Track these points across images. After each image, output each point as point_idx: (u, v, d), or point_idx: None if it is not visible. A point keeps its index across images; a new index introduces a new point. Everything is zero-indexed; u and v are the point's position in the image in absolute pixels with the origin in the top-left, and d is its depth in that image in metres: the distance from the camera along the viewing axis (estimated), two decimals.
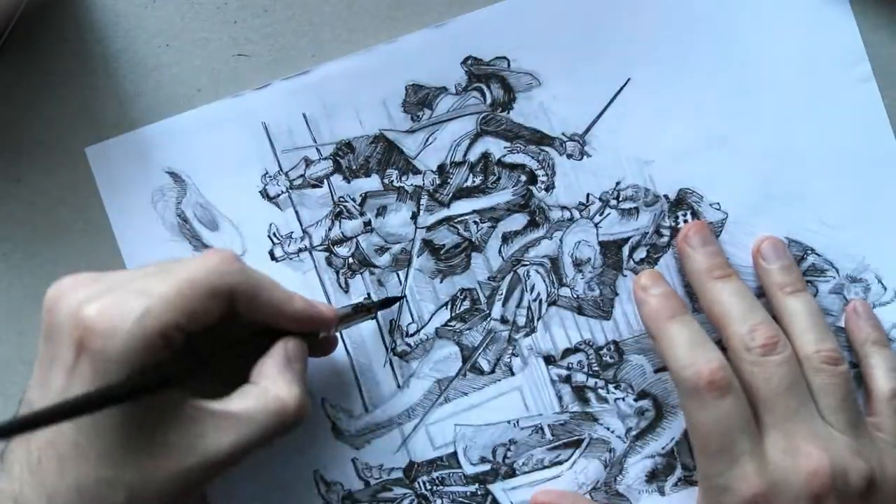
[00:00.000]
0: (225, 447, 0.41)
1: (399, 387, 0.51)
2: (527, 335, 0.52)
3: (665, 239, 0.52)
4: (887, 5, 0.52)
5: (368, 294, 0.52)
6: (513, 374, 0.52)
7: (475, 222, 0.52)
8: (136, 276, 0.42)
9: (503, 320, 0.52)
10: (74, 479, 0.39)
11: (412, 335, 0.52)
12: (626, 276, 0.52)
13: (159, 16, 0.51)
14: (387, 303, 0.52)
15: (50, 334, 0.41)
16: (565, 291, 0.52)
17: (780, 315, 0.50)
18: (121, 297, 0.40)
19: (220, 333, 0.44)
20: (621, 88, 0.51)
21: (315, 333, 0.47)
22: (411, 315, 0.52)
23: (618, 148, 0.52)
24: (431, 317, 0.52)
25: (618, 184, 0.52)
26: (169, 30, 0.51)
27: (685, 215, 0.52)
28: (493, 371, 0.52)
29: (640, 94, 0.51)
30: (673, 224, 0.52)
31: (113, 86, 0.51)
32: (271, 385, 0.43)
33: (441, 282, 0.52)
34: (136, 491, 0.40)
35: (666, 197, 0.52)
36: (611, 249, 0.52)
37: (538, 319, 0.52)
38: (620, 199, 0.52)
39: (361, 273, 0.52)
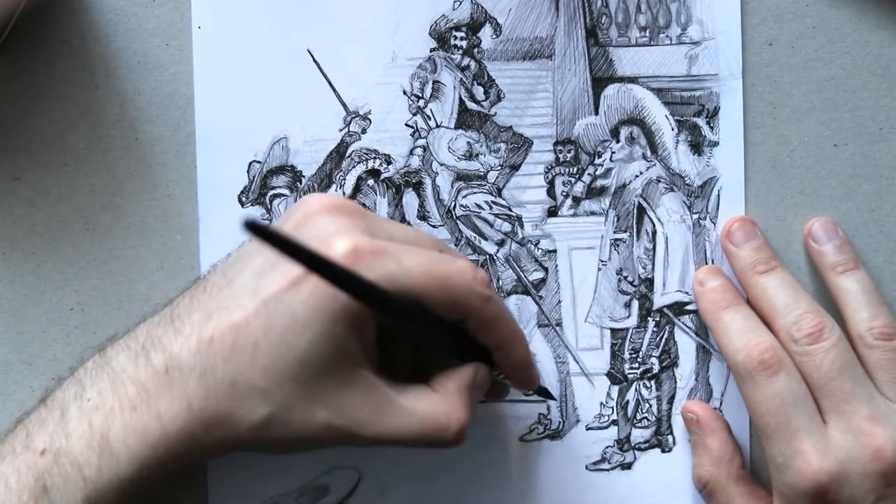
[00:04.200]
0: (373, 429, 0.41)
1: None
2: None
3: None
4: (887, 5, 0.52)
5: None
6: None
7: None
8: (397, 235, 0.43)
9: None
10: (234, 372, 0.39)
11: None
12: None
13: (159, 15, 0.52)
14: (543, 392, 0.51)
15: (297, 230, 0.41)
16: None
17: (834, 295, 0.49)
18: (375, 248, 0.40)
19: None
20: None
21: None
22: None
23: None
24: None
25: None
26: (169, 29, 0.52)
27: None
28: None
29: None
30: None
31: (113, 85, 0.52)
32: (447, 400, 0.42)
33: None
34: (278, 416, 0.40)
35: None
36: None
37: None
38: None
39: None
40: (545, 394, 0.51)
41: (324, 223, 0.41)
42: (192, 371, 0.40)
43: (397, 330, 0.44)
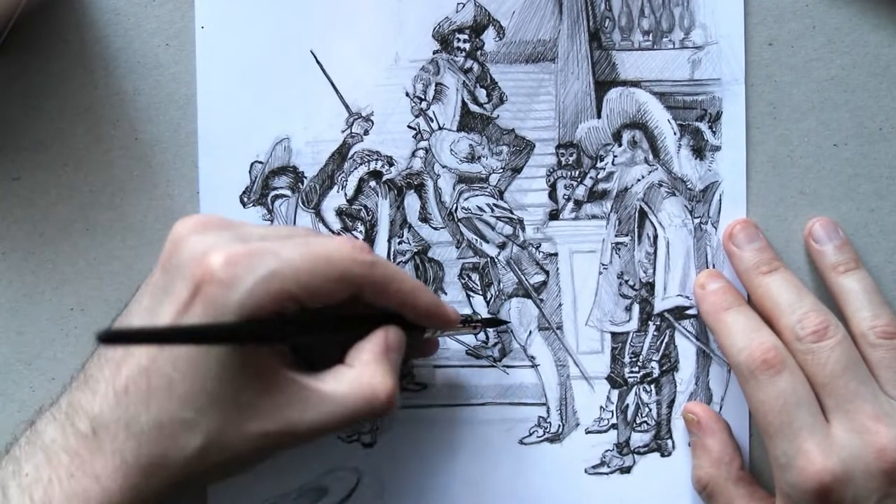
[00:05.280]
0: (307, 423, 0.41)
1: None
2: None
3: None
4: (887, 5, 0.52)
5: (475, 311, 0.53)
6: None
7: None
8: (269, 234, 0.43)
9: None
10: (157, 413, 0.39)
11: None
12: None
13: (158, 15, 0.52)
14: (492, 323, 0.52)
15: (170, 267, 0.41)
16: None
17: (836, 295, 0.50)
18: (250, 251, 0.40)
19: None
20: None
21: (422, 331, 0.46)
22: None
23: None
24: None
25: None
26: (168, 29, 0.52)
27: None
28: None
29: None
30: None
31: (112, 85, 0.52)
32: (366, 372, 0.42)
33: None
34: (212, 440, 0.39)
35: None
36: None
37: None
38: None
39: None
40: (494, 323, 0.51)
41: (193, 244, 0.41)
42: (118, 425, 0.40)
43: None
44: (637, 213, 0.52)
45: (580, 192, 0.52)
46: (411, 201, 0.52)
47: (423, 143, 0.52)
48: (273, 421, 0.40)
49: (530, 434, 0.52)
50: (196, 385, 0.39)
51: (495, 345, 0.53)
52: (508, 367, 0.53)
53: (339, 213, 0.52)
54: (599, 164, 0.52)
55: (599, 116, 0.52)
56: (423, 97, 0.52)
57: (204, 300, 0.39)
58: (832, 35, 0.52)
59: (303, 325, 0.42)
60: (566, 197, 0.52)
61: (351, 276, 0.42)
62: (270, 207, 0.52)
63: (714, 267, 0.52)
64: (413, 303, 0.44)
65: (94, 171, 0.52)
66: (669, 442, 0.52)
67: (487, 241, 0.52)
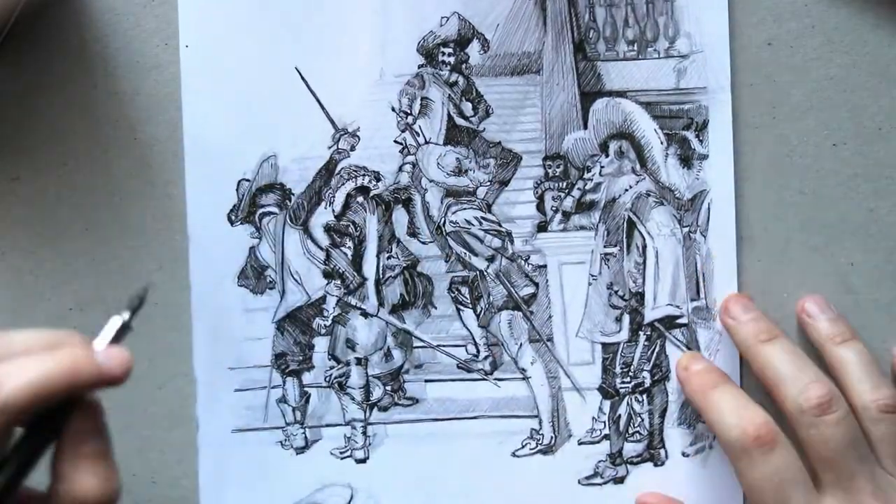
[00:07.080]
0: None
1: None
2: None
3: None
4: (887, 5, 0.52)
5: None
6: None
7: None
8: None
9: None
10: None
11: None
12: None
13: (157, 14, 0.52)
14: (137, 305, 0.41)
15: None
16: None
17: (834, 366, 0.49)
18: None
19: None
20: None
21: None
22: None
23: None
24: None
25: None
26: (167, 28, 0.52)
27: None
28: None
29: None
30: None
31: (111, 85, 0.52)
32: (69, 487, 0.37)
33: None
34: None
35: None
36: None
37: None
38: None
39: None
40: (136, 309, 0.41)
41: None
42: None
43: None
44: (625, 224, 0.52)
45: (568, 203, 0.52)
46: (399, 216, 0.52)
47: (410, 158, 0.52)
48: None
49: (523, 446, 0.52)
50: None
51: (486, 358, 0.52)
52: (500, 380, 0.52)
53: (328, 229, 0.52)
54: (587, 175, 0.52)
55: (586, 127, 0.52)
56: (408, 112, 0.52)
57: None
58: (831, 35, 0.52)
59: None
60: (554, 209, 0.52)
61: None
62: (258, 225, 0.52)
63: (704, 276, 0.51)
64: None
65: (93, 171, 0.52)
66: (662, 451, 0.52)
67: (476, 255, 0.52)
